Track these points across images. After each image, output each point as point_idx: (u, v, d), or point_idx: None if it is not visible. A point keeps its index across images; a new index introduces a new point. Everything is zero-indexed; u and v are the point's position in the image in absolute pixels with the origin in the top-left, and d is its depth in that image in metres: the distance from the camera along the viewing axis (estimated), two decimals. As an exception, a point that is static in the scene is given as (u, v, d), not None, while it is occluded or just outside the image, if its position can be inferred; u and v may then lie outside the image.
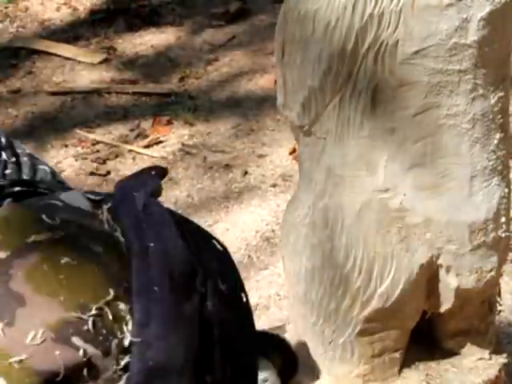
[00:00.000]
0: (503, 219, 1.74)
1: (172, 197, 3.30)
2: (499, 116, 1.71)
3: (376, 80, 1.60)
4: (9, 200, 0.82)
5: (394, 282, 1.70)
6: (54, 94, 3.92)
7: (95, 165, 3.51)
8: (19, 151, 1.05)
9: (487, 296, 1.83)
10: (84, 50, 4.18)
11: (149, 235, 0.76)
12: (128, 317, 0.73)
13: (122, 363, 0.73)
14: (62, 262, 0.74)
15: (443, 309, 1.77)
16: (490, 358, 1.86)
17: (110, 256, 0.75)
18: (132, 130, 3.70)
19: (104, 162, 3.52)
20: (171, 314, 0.75)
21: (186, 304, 0.75)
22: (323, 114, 1.67)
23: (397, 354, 1.80)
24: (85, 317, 0.72)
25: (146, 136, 3.65)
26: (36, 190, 0.85)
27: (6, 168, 1.01)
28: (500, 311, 2.03)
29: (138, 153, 3.58)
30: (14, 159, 1.03)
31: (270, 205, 3.26)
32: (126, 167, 3.47)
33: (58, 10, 4.46)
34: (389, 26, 1.55)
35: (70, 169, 3.48)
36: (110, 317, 0.73)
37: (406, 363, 1.83)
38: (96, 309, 0.72)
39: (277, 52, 1.73)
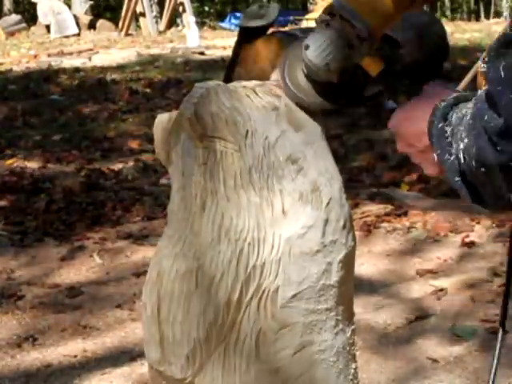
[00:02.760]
0: None
1: None
2: (353, 347, 1.89)
3: (259, 325, 1.72)
4: None
5: None
6: None
7: None
8: None
9: None
10: None
11: None
12: None
13: None
14: None
15: None
16: None
17: None
18: None
19: None
20: None
21: None
22: (207, 363, 1.74)
23: None
24: None
25: None
26: None
27: None
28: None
29: None
30: None
31: None
32: None
33: None
34: (270, 274, 1.70)
35: None
36: None
37: None
38: None
39: (150, 309, 1.79)
